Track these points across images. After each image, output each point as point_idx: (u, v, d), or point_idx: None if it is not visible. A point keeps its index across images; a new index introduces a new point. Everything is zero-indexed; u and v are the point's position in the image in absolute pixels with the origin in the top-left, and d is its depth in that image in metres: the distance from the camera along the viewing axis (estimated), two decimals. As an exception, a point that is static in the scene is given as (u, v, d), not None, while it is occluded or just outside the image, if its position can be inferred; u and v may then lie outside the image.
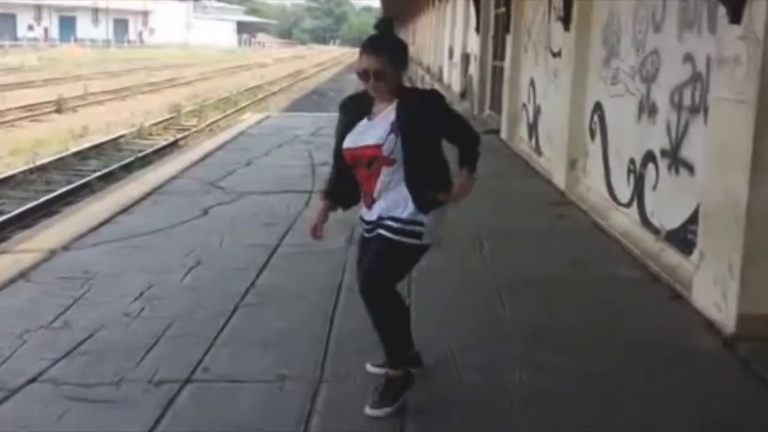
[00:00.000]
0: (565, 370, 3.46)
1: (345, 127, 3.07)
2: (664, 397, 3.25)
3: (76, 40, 70.00)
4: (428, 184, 2.98)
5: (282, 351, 3.60)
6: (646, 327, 4.09)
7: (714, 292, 4.06)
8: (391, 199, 3.00)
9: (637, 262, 5.24)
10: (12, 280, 4.51)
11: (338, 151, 3.09)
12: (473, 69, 15.23)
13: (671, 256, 4.97)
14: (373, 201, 3.05)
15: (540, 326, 3.99)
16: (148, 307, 4.09)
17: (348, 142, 3.03)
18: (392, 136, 2.94)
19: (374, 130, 2.99)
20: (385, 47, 2.97)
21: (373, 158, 2.97)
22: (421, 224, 2.98)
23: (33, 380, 3.23)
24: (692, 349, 3.81)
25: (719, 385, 3.42)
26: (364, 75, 2.94)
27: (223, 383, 3.26)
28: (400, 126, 2.93)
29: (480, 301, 4.37)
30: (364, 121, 3.03)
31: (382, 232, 3.01)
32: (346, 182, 3.14)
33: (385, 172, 2.98)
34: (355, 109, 3.09)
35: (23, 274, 4.62)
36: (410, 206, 2.97)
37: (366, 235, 3.17)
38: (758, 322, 3.79)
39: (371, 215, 3.08)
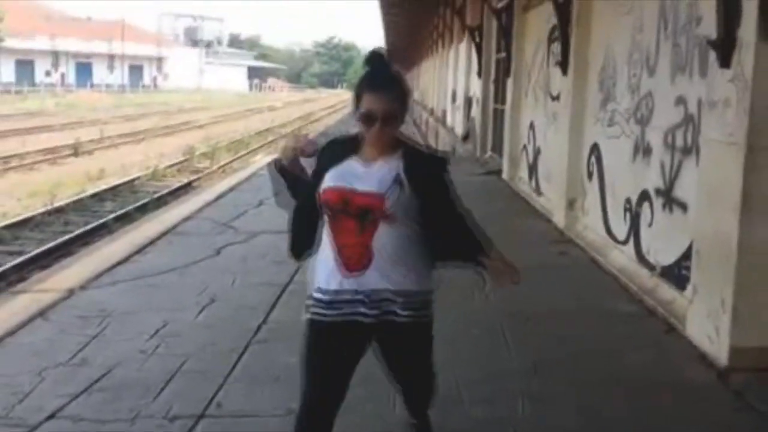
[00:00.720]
0: (565, 402, 3.51)
1: (325, 166, 2.47)
2: (660, 427, 3.29)
3: (92, 85, 71.12)
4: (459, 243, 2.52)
5: (293, 386, 3.58)
6: (642, 360, 4.13)
7: (707, 325, 4.10)
8: (401, 267, 2.44)
9: (634, 297, 5.29)
10: (31, 319, 4.58)
11: (310, 195, 2.47)
12: (475, 112, 15.42)
13: (666, 291, 5.02)
14: (361, 267, 2.42)
15: (541, 359, 4.03)
16: (163, 345, 4.15)
17: (332, 180, 2.42)
18: (396, 189, 2.39)
19: (374, 176, 2.42)
20: (395, 85, 2.46)
21: (368, 209, 2.39)
22: (432, 292, 2.57)
23: (51, 416, 3.28)
24: (686, 381, 3.85)
25: (713, 415, 3.45)
26: (367, 118, 2.38)
27: (236, 418, 3.31)
28: (409, 181, 2.41)
29: (484, 335, 4.43)
30: (356, 163, 2.46)
31: (408, 315, 2.45)
32: (309, 237, 2.53)
33: (384, 231, 2.41)
34: (339, 151, 2.50)
35: (42, 313, 4.69)
36: (422, 274, 2.50)
37: (341, 313, 2.44)
38: (750, 354, 3.83)
39: (359, 284, 2.42)
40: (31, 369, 3.76)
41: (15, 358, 3.98)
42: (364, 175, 2.43)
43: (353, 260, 2.42)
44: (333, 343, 2.47)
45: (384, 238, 2.41)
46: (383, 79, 2.46)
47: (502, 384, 3.71)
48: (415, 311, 2.47)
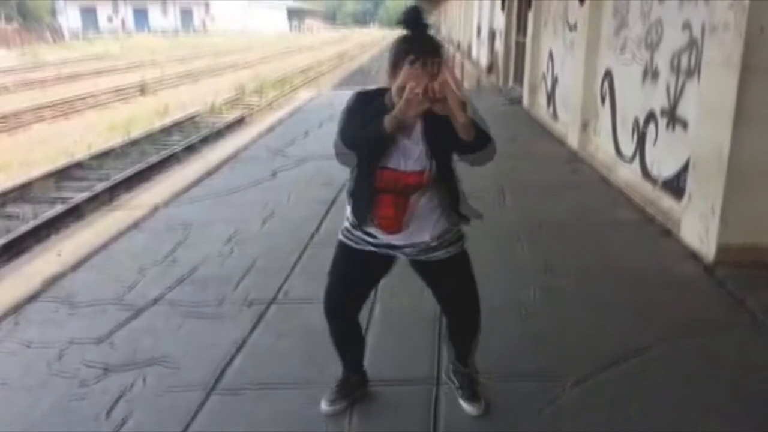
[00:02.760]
0: (567, 291, 3.78)
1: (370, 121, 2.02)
2: (648, 307, 3.53)
3: (149, 29, 70.75)
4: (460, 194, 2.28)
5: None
6: (639, 257, 4.33)
7: (698, 227, 4.27)
8: (433, 219, 2.25)
9: (636, 207, 5.42)
10: (128, 229, 4.97)
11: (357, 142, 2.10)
12: (499, 44, 15.17)
13: (665, 201, 5.16)
14: (397, 230, 2.22)
15: (551, 260, 4.25)
16: (236, 248, 4.49)
17: (393, 161, 2.10)
18: (431, 158, 2.11)
19: (415, 150, 2.10)
20: (437, 55, 1.97)
21: (416, 187, 2.14)
22: (460, 228, 2.36)
23: (155, 302, 3.65)
24: (677, 273, 4.06)
25: (697, 300, 3.67)
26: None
27: (299, 302, 3.65)
28: (429, 139, 2.09)
29: (503, 242, 4.61)
30: (400, 135, 2.08)
31: (443, 252, 2.29)
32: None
33: (419, 197, 2.18)
34: (375, 114, 2.00)
35: (135, 225, 5.07)
36: (450, 216, 2.29)
37: (377, 250, 2.28)
38: (733, 251, 4.02)
39: (396, 239, 2.26)
40: (134, 267, 4.14)
41: (120, 259, 4.37)
42: (408, 149, 2.09)
43: (389, 225, 2.20)
44: (363, 265, 2.35)
45: (419, 202, 2.18)
46: (426, 50, 1.96)
47: (517, 278, 3.96)
48: (447, 248, 2.29)
